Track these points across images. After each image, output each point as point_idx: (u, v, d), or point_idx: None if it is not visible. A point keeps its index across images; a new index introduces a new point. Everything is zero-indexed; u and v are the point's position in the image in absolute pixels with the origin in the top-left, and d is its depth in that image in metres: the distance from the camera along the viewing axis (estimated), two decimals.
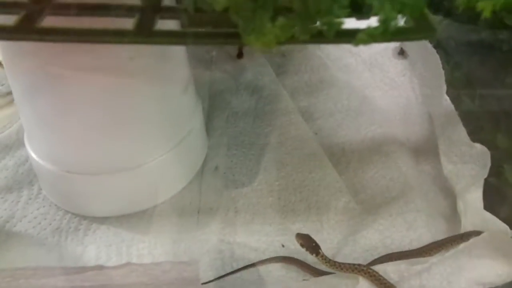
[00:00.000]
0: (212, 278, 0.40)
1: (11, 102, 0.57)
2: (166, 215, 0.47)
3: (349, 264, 0.37)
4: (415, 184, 0.48)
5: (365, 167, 0.51)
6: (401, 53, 0.65)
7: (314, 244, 0.38)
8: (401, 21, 0.22)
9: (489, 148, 0.43)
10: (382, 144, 0.53)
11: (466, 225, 0.42)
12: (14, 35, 0.22)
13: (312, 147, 0.53)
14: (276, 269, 0.42)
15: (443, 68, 0.51)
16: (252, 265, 0.41)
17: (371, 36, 0.19)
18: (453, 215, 0.45)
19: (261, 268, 0.42)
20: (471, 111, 0.50)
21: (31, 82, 0.40)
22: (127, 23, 0.22)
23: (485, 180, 0.42)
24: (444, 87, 0.49)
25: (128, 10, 0.23)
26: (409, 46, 0.64)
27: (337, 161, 0.52)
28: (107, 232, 0.46)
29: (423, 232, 0.43)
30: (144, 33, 0.22)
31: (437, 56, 0.53)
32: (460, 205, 0.43)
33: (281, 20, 0.20)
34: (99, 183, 0.45)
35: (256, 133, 0.56)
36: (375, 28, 0.19)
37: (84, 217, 0.47)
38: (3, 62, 0.41)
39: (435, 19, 0.59)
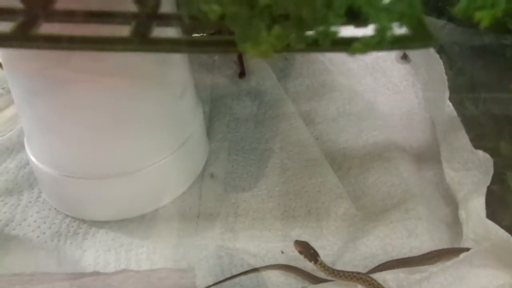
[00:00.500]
0: (210, 284, 0.40)
1: (13, 104, 0.57)
2: (165, 220, 0.47)
3: (348, 272, 0.37)
4: (416, 191, 0.48)
5: (366, 173, 0.51)
6: (404, 57, 0.64)
7: (312, 251, 0.38)
8: (400, 29, 0.22)
9: (492, 155, 0.42)
10: (383, 150, 0.53)
11: (468, 233, 0.41)
12: (10, 43, 0.22)
13: (313, 152, 0.53)
14: (275, 275, 0.42)
15: (446, 73, 0.51)
16: (251, 271, 0.41)
17: (366, 45, 0.19)
18: (455, 222, 0.44)
19: (260, 275, 0.42)
20: (474, 117, 0.50)
21: (31, 85, 0.40)
22: (124, 31, 0.22)
23: (488, 187, 0.41)
24: (447, 93, 0.48)
25: (124, 17, 0.23)
26: (412, 51, 0.63)
27: (338, 167, 0.52)
28: (106, 236, 0.46)
29: (424, 239, 0.43)
30: (140, 41, 0.22)
31: (440, 61, 0.52)
32: (462, 213, 0.43)
33: (276, 28, 0.19)
34: (98, 187, 0.45)
35: (257, 139, 0.56)
36: (371, 38, 0.19)
37: (84, 221, 0.47)
38: (3, 65, 0.41)
39: (438, 23, 0.59)
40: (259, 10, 0.20)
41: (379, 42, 0.19)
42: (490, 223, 0.40)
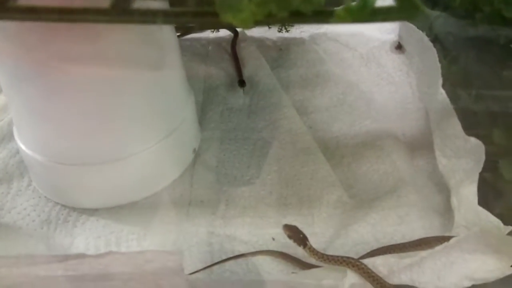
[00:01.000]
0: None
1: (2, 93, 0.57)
2: (156, 207, 0.47)
3: (337, 256, 0.36)
4: (409, 178, 0.48)
5: (359, 161, 0.51)
6: (399, 47, 0.64)
7: (301, 236, 0.37)
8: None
9: (485, 143, 0.42)
10: (376, 138, 0.53)
11: (459, 220, 0.41)
12: None
13: (306, 141, 0.53)
14: (265, 262, 0.41)
15: (440, 62, 0.50)
16: (240, 256, 0.40)
17: (349, 13, 0.18)
18: (447, 210, 0.44)
19: (250, 261, 0.41)
20: (468, 106, 0.50)
21: (17, 71, 0.40)
22: (104, 1, 0.22)
23: (481, 175, 0.41)
24: (440, 81, 0.48)
25: None
26: (406, 40, 0.63)
27: (331, 155, 0.52)
28: (96, 223, 0.45)
29: (415, 226, 0.43)
30: (120, 12, 0.21)
31: (434, 50, 0.52)
32: (454, 200, 0.43)
33: None
34: (88, 174, 0.44)
35: (250, 128, 0.56)
36: (354, 5, 0.18)
37: (74, 209, 0.47)
38: None
39: (433, 14, 0.59)
40: None
41: (362, 9, 0.18)
42: (481, 209, 0.39)
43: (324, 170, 0.49)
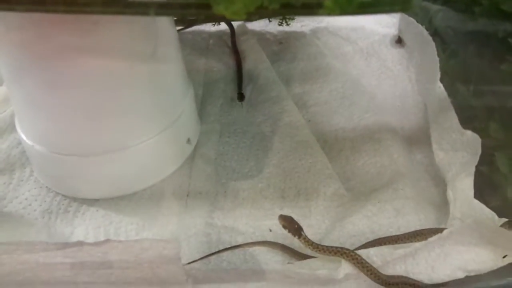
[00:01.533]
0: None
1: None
2: (155, 198, 0.47)
3: (331, 247, 0.37)
4: (406, 172, 0.48)
5: (357, 154, 0.51)
6: (399, 41, 0.64)
7: (296, 226, 0.38)
8: None
9: (481, 137, 0.42)
10: (375, 132, 0.53)
11: (455, 213, 0.41)
12: None
13: (304, 134, 0.53)
14: (262, 252, 0.42)
15: (439, 56, 0.50)
16: (237, 246, 0.41)
17: (337, 4, 0.19)
18: (444, 203, 0.45)
19: (247, 252, 0.42)
20: (465, 99, 0.50)
21: (19, 63, 0.40)
22: None
23: (477, 169, 0.41)
24: (438, 74, 0.48)
25: None
26: (406, 34, 0.63)
27: (330, 148, 0.52)
28: (96, 214, 0.46)
29: (411, 219, 0.43)
30: (114, 3, 0.22)
31: (433, 43, 0.52)
32: (450, 192, 0.43)
33: None
34: (88, 165, 0.45)
35: (249, 122, 0.56)
36: None
37: (74, 199, 0.47)
38: None
39: (433, 8, 0.59)
40: None
41: (350, 1, 0.18)
42: (476, 202, 0.40)
43: (322, 163, 0.49)
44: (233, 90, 0.61)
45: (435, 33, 0.56)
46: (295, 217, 0.44)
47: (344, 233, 0.43)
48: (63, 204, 0.47)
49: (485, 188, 0.42)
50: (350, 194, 0.47)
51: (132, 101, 0.43)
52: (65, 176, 0.46)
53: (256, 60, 0.63)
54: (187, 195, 0.47)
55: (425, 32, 0.55)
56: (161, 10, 0.22)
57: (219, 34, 0.70)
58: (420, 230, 0.41)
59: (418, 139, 0.52)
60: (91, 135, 0.43)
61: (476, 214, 0.39)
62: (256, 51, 0.64)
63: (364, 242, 0.41)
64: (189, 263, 0.39)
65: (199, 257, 0.41)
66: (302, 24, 0.71)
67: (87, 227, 0.45)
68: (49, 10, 0.23)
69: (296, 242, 0.41)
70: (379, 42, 0.65)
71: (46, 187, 0.49)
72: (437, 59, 0.50)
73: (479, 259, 0.36)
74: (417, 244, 0.37)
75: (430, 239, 0.36)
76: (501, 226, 0.36)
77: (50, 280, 0.34)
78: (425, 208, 0.44)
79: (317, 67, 0.63)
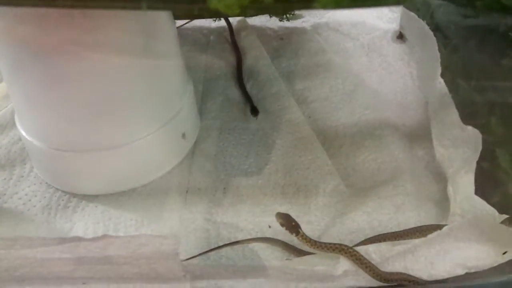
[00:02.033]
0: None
1: None
2: (154, 194, 0.47)
3: (330, 243, 0.37)
4: (406, 168, 0.48)
5: (357, 150, 0.51)
6: (400, 37, 0.64)
7: (293, 223, 0.38)
8: None
9: (483, 133, 0.42)
10: (375, 128, 0.53)
11: (455, 209, 0.41)
12: None
13: (304, 131, 0.53)
14: (261, 248, 0.42)
15: (440, 51, 0.50)
16: (236, 242, 0.41)
17: None
18: (444, 200, 0.44)
19: (246, 248, 0.42)
20: (467, 95, 0.49)
21: (17, 58, 0.40)
22: None
23: (478, 165, 0.41)
24: (439, 69, 0.48)
25: None
26: (407, 30, 0.63)
27: (330, 145, 0.52)
28: (96, 210, 0.46)
29: (411, 215, 0.43)
30: None
31: (434, 39, 0.52)
32: (450, 189, 0.43)
33: None
34: (88, 161, 0.45)
35: (249, 119, 0.56)
36: None
37: (74, 195, 0.47)
38: None
39: (434, 2, 0.59)
40: None
41: None
42: (477, 198, 0.39)
43: (322, 160, 0.49)
44: (233, 87, 0.61)
45: (436, 28, 0.56)
46: (295, 214, 0.44)
47: (343, 229, 0.43)
48: (62, 200, 0.47)
49: (486, 185, 0.42)
50: (350, 191, 0.47)
51: (131, 97, 0.43)
52: (64, 172, 0.47)
53: (256, 56, 0.63)
54: (187, 191, 0.47)
55: (426, 27, 0.55)
56: (155, 4, 0.22)
57: (219, 30, 0.70)
58: (420, 226, 0.41)
59: (419, 135, 0.52)
60: (91, 131, 0.43)
61: (476, 210, 0.39)
62: (256, 47, 0.64)
63: (363, 239, 0.41)
64: (188, 258, 0.38)
65: (198, 253, 0.41)
66: (303, 19, 0.70)
67: (86, 223, 0.45)
68: (54, 5, 0.22)
69: (296, 242, 0.41)
70: (380, 38, 0.65)
71: (46, 183, 0.49)
72: (438, 54, 0.49)
73: (479, 255, 0.36)
74: (416, 241, 0.36)
75: (429, 236, 0.36)
76: (502, 222, 0.36)
77: (48, 276, 0.34)
78: (425, 204, 0.44)
79: (318, 63, 0.63)
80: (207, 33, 0.70)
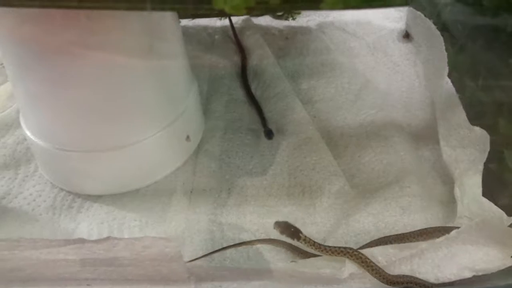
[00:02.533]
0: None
1: None
2: (158, 194, 0.47)
3: (335, 247, 0.36)
4: (412, 169, 0.47)
5: (363, 151, 0.50)
6: (406, 36, 0.63)
7: (293, 230, 0.37)
8: None
9: (490, 134, 0.41)
10: (381, 128, 0.52)
11: (463, 211, 0.40)
12: None
13: (309, 131, 0.52)
14: (265, 250, 0.42)
15: (447, 51, 0.49)
16: (240, 244, 0.41)
17: None
18: (451, 201, 0.44)
19: (251, 249, 0.42)
20: (474, 95, 0.49)
21: (23, 59, 0.40)
22: None
23: (486, 166, 0.40)
24: (446, 69, 0.47)
25: None
26: (414, 29, 0.62)
27: (335, 145, 0.51)
28: (100, 210, 0.46)
29: (417, 217, 0.42)
30: None
31: (441, 39, 0.51)
32: (457, 190, 0.42)
33: None
34: (92, 161, 0.45)
35: (253, 119, 0.56)
36: None
37: (78, 195, 0.47)
38: None
39: (442, 1, 0.58)
40: None
41: None
42: (484, 200, 0.39)
43: (327, 160, 0.49)
44: (238, 87, 0.60)
45: (443, 28, 0.55)
46: (300, 215, 0.44)
47: (349, 231, 0.42)
48: (67, 200, 0.47)
49: (493, 186, 0.42)
50: (355, 192, 0.46)
51: (136, 97, 0.43)
52: (69, 172, 0.46)
53: (261, 56, 0.62)
54: (191, 192, 0.47)
55: (433, 27, 0.54)
56: (160, 4, 0.22)
57: (224, 30, 0.69)
58: (426, 228, 0.41)
59: (425, 135, 0.51)
60: (95, 131, 0.43)
61: (484, 212, 0.38)
62: (261, 47, 0.63)
63: (369, 240, 0.41)
64: (192, 260, 0.38)
65: (202, 253, 0.41)
66: (308, 19, 0.70)
67: (90, 223, 0.45)
68: (59, 6, 0.22)
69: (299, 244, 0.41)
70: (386, 37, 0.64)
71: (51, 183, 0.49)
72: (445, 54, 0.49)
73: (487, 258, 0.35)
74: (423, 245, 0.36)
75: (437, 240, 0.35)
76: (510, 225, 0.35)
77: (52, 277, 0.34)
78: (432, 206, 0.44)
79: (323, 62, 0.62)
80: (212, 32, 0.70)
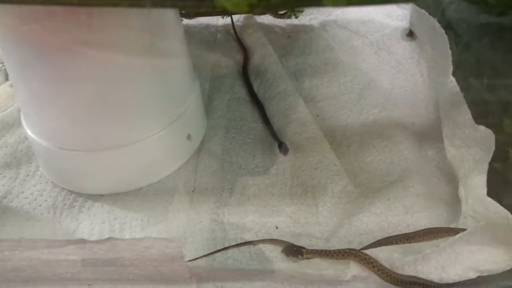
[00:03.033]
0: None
1: None
2: (160, 193, 0.47)
3: (339, 250, 0.36)
4: (416, 168, 0.47)
5: (366, 150, 0.50)
6: (410, 34, 0.63)
7: (295, 248, 0.37)
8: None
9: (495, 132, 0.41)
10: (384, 127, 0.52)
11: (467, 211, 0.40)
12: None
13: (311, 130, 0.52)
14: (268, 250, 0.41)
15: (452, 50, 0.49)
16: (243, 244, 0.40)
17: None
18: (455, 201, 0.43)
19: (253, 249, 0.41)
20: (479, 94, 0.48)
21: (24, 58, 0.40)
22: None
23: (491, 165, 0.40)
24: (451, 68, 0.47)
25: None
26: (418, 27, 0.62)
27: (338, 144, 0.51)
28: (101, 209, 0.46)
29: (421, 217, 0.42)
30: None
31: (446, 37, 0.50)
32: (462, 190, 0.42)
33: None
34: (93, 160, 0.45)
35: (256, 118, 0.55)
36: None
37: (80, 194, 0.47)
38: None
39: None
40: None
41: None
42: (489, 200, 0.38)
43: (330, 160, 0.48)
44: (240, 86, 0.60)
45: (447, 26, 0.54)
46: (303, 215, 0.44)
47: (352, 231, 0.42)
48: (68, 200, 0.47)
49: (498, 186, 0.41)
50: (358, 191, 0.46)
51: (137, 96, 0.42)
52: (70, 172, 0.46)
53: (263, 55, 0.62)
54: (193, 191, 0.47)
55: (437, 25, 0.53)
56: (161, 2, 0.21)
57: (227, 28, 0.69)
58: (430, 228, 0.40)
59: (429, 134, 0.51)
60: (96, 130, 0.43)
61: (489, 212, 0.38)
62: (263, 45, 0.63)
63: (372, 241, 0.40)
64: (192, 259, 0.38)
65: (204, 253, 0.41)
66: (310, 17, 0.70)
67: (92, 222, 0.45)
68: (60, 3, 0.22)
69: (303, 239, 0.41)
70: (389, 36, 0.64)
71: (52, 182, 0.48)
72: (450, 52, 0.48)
73: (492, 259, 0.35)
74: (427, 250, 0.35)
75: (441, 245, 0.35)
76: None
77: (53, 277, 0.34)
78: (436, 206, 0.43)
79: (326, 61, 0.62)
80: (214, 31, 0.69)
